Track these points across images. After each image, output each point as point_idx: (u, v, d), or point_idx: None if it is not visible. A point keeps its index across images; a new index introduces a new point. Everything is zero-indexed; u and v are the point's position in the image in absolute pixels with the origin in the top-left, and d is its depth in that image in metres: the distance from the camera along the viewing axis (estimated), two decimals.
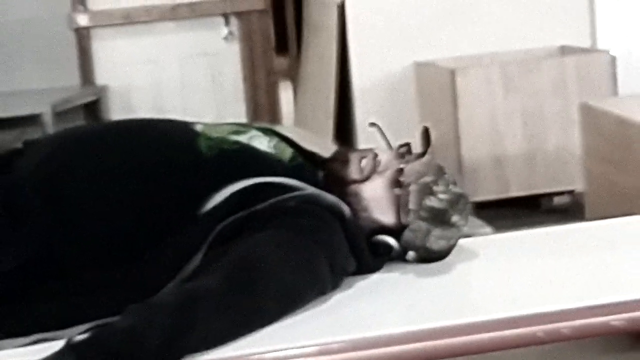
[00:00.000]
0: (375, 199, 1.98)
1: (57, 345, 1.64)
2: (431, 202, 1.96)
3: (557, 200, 4.98)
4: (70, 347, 1.58)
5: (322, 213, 1.90)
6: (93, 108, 5.57)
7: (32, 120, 4.81)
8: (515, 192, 4.80)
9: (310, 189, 1.92)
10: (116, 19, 5.64)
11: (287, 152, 1.99)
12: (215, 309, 1.66)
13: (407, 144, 2.04)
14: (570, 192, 4.84)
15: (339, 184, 1.98)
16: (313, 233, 1.84)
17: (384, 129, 2.10)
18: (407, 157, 2.02)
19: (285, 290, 1.76)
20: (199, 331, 1.64)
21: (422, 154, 2.03)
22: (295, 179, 1.92)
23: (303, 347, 1.68)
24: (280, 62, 6.19)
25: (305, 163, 2.01)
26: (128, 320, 1.62)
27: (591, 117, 3.65)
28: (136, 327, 1.61)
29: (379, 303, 1.86)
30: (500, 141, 4.73)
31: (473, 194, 4.67)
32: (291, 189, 1.89)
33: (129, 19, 5.65)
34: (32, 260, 1.83)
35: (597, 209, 3.63)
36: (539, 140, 4.75)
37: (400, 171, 1.98)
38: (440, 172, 1.99)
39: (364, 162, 1.99)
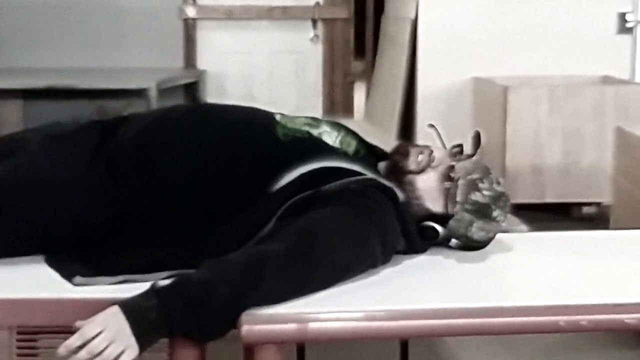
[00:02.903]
0: (428, 189, 1.95)
1: (141, 287, 1.65)
2: (476, 196, 1.94)
3: (585, 209, 4.92)
4: (154, 290, 1.59)
5: (379, 196, 1.87)
6: (192, 89, 5.60)
7: (139, 93, 4.85)
8: (549, 199, 4.75)
9: (370, 175, 1.90)
10: (219, 14, 5.67)
11: (352, 147, 1.97)
12: (279, 271, 1.65)
13: (460, 145, 2.01)
14: (598, 204, 4.78)
15: (398, 173, 1.96)
16: (370, 212, 1.82)
17: (443, 134, 2.07)
18: (459, 156, 1.99)
19: (341, 261, 1.74)
20: (263, 289, 1.63)
21: (472, 154, 2.00)
22: (357, 166, 1.90)
23: (350, 312, 1.67)
24: (357, 65, 6.16)
25: (367, 155, 2.00)
26: (204, 273, 1.62)
27: (625, 140, 3.59)
28: (210, 280, 1.60)
29: (422, 281, 1.84)
30: (541, 153, 4.68)
31: (513, 196, 4.59)
32: (354, 173, 1.88)
33: (230, 15, 5.67)
34: (125, 214, 1.83)
35: (620, 221, 3.58)
36: (575, 156, 4.69)
37: (452, 167, 1.96)
38: (486, 171, 1.97)
39: (421, 156, 1.97)
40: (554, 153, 4.68)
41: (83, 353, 1.50)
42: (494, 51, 5.17)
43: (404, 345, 2.80)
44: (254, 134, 1.91)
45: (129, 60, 5.59)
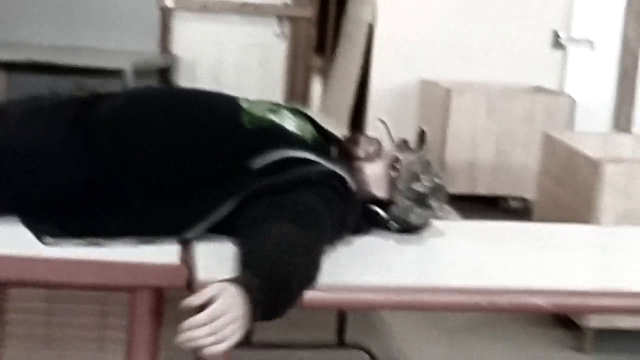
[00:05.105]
0: (374, 176, 1.96)
1: (106, 250, 1.64)
2: (417, 186, 1.96)
3: (512, 203, 4.98)
4: (250, 272, 1.48)
5: (336, 184, 1.86)
6: (165, 73, 5.54)
7: (116, 73, 4.77)
8: (481, 191, 4.80)
9: (328, 165, 1.88)
10: (195, 5, 5.61)
11: (309, 133, 1.95)
12: (318, 256, 1.63)
13: (406, 140, 2.02)
14: (523, 199, 4.84)
15: (348, 159, 1.96)
16: (331, 199, 1.81)
17: (389, 128, 2.08)
18: (404, 149, 2.00)
19: (327, 244, 1.74)
20: (312, 275, 1.61)
21: (417, 149, 2.01)
22: (315, 155, 1.88)
23: None
24: (317, 61, 6.15)
25: (322, 142, 1.99)
26: (271, 256, 1.54)
27: (550, 144, 3.63)
28: (284, 266, 1.53)
29: (362, 259, 1.85)
30: (476, 150, 4.72)
31: (449, 187, 4.65)
32: (312, 163, 1.86)
33: (205, 8, 5.62)
34: (98, 183, 1.81)
35: (542, 215, 3.62)
36: (506, 155, 4.74)
37: (397, 159, 1.97)
38: (428, 165, 1.99)
39: (370, 146, 1.97)
40: (488, 151, 4.73)
41: (206, 331, 1.36)
42: (441, 57, 5.21)
43: (342, 315, 2.82)
44: (221, 120, 1.88)
45: (108, 42, 5.52)
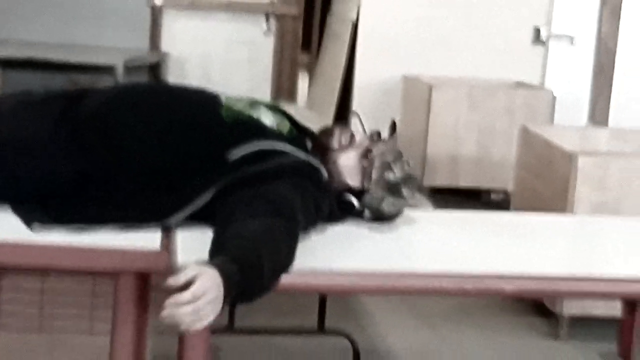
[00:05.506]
0: (348, 166, 2.00)
1: (91, 236, 1.67)
2: (389, 176, 2.00)
3: (493, 195, 5.02)
4: (231, 257, 1.52)
5: (309, 174, 1.91)
6: (155, 69, 5.57)
7: (107, 69, 4.81)
8: (463, 184, 4.83)
9: (302, 156, 1.93)
10: (184, 3, 5.65)
11: (286, 127, 2.00)
12: (289, 247, 1.68)
13: (378, 131, 2.07)
14: (505, 191, 4.87)
15: (323, 151, 2.01)
16: (304, 188, 1.86)
17: (374, 122, 2.12)
18: (377, 140, 2.04)
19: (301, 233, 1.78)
20: (284, 265, 1.65)
21: (388, 140, 2.05)
22: (290, 147, 1.93)
23: None
24: (303, 58, 6.18)
25: (298, 136, 2.03)
26: (247, 247, 1.58)
27: (527, 138, 3.67)
28: (257, 254, 1.57)
29: (338, 246, 1.89)
30: (458, 144, 4.75)
31: (432, 180, 4.73)
32: (287, 154, 1.91)
33: (193, 6, 5.65)
34: (84, 174, 1.86)
35: (519, 206, 3.66)
36: (487, 149, 4.78)
37: (370, 149, 2.01)
38: (399, 155, 2.03)
39: (343, 137, 2.02)
40: (469, 145, 4.76)
41: (189, 309, 1.40)
42: (423, 53, 5.25)
43: (323, 300, 2.87)
44: (201, 114, 1.92)
45: (100, 39, 5.55)
